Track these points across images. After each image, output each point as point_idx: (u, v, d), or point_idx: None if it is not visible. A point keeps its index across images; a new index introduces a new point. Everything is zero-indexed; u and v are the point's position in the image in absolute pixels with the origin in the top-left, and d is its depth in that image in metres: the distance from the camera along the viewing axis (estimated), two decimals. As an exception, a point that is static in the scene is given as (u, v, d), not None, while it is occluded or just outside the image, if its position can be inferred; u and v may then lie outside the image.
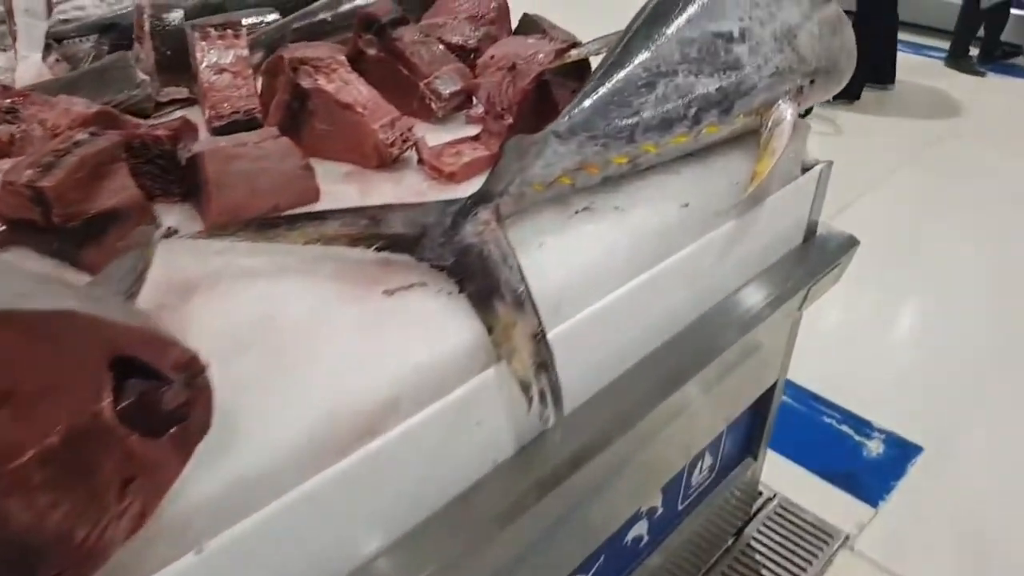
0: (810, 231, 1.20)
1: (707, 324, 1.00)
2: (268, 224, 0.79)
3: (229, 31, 1.10)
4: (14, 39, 1.17)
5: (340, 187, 0.94)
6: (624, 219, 0.90)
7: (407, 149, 0.97)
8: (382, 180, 0.96)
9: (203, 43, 1.08)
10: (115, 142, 0.79)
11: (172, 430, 0.53)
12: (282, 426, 0.62)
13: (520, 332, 0.70)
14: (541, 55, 1.08)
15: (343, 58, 1.00)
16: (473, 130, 1.06)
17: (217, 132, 1.03)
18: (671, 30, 0.97)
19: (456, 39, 1.22)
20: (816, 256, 1.17)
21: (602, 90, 0.93)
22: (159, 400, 0.52)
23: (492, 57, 1.12)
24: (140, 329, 0.50)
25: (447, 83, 1.09)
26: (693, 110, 0.94)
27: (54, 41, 1.34)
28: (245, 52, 1.09)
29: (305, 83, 0.96)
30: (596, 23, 1.29)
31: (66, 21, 1.41)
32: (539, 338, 0.71)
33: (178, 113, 1.12)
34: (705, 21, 0.98)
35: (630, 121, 0.91)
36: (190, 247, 0.81)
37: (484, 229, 0.78)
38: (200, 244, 0.80)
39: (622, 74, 0.94)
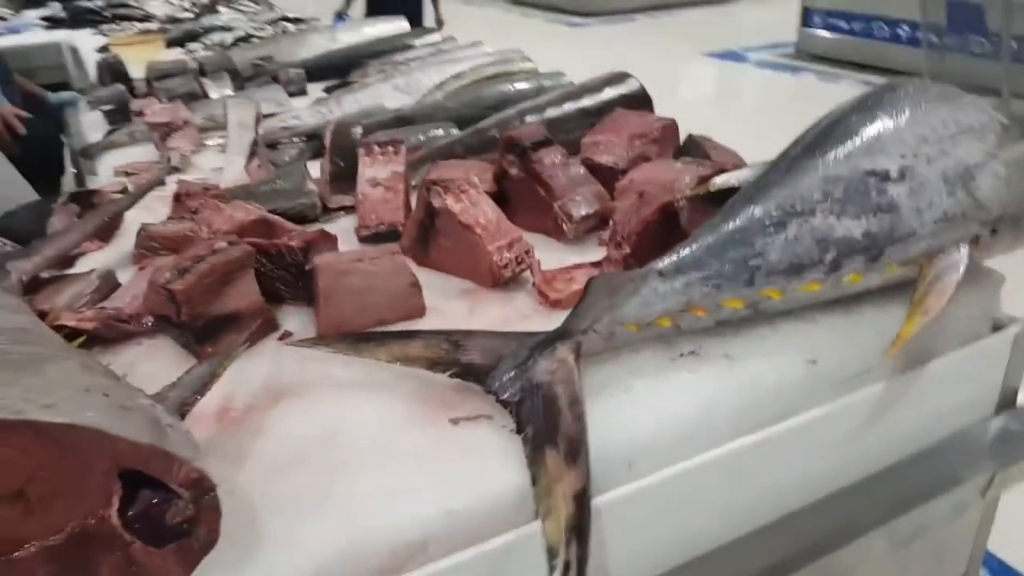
0: (1006, 401, 1.01)
1: (841, 503, 0.86)
2: (361, 339, 0.82)
3: (391, 148, 1.18)
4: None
5: (451, 303, 0.96)
6: (733, 369, 0.82)
7: (522, 271, 0.97)
8: (494, 300, 0.96)
9: (366, 158, 1.18)
10: (247, 252, 0.87)
11: (176, 542, 0.55)
12: (294, 553, 0.61)
13: (563, 489, 0.65)
14: (680, 181, 1.03)
15: (475, 180, 1.03)
16: (603, 254, 1.03)
17: (363, 240, 1.11)
18: (817, 164, 0.89)
19: (606, 159, 1.21)
20: (1009, 434, 0.98)
21: (723, 227, 0.86)
22: (165, 513, 0.55)
23: (631, 181, 1.09)
24: (144, 446, 0.53)
25: (580, 205, 1.08)
26: (831, 255, 0.84)
27: (267, 147, 1.53)
28: (401, 168, 1.17)
29: (435, 202, 1.00)
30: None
31: (285, 128, 1.61)
32: (582, 500, 0.65)
33: (344, 218, 1.22)
34: (859, 157, 0.88)
35: (750, 263, 0.83)
36: (297, 352, 0.85)
37: (558, 368, 0.75)
38: (306, 350, 0.85)
39: (750, 210, 0.87)
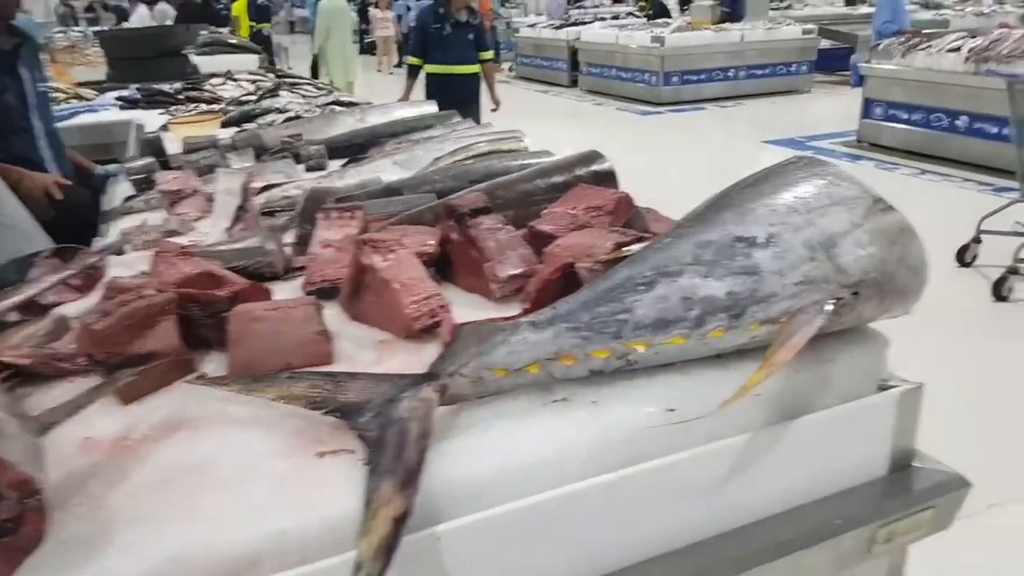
0: (900, 462, 1.02)
1: (704, 551, 0.89)
2: (254, 380, 0.91)
3: (348, 214, 1.30)
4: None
5: (363, 352, 1.04)
6: (595, 415, 0.87)
7: (435, 325, 1.05)
8: (405, 350, 1.04)
9: (324, 221, 1.30)
10: (168, 299, 0.99)
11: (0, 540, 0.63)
12: (130, 559, 0.69)
13: (387, 512, 0.71)
14: (598, 247, 1.11)
15: (408, 241, 1.13)
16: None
17: (308, 295, 1.22)
18: (694, 231, 0.96)
19: (546, 227, 1.29)
20: (895, 492, 0.99)
21: (599, 284, 0.93)
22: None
23: (557, 246, 1.18)
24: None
25: (506, 266, 1.16)
26: (695, 312, 0.89)
27: (265, 214, 1.68)
28: (354, 232, 1.28)
29: (364, 259, 1.10)
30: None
31: (285, 198, 1.76)
32: (400, 524, 0.71)
33: (301, 277, 1.33)
34: (732, 224, 0.95)
35: (618, 317, 0.89)
36: (206, 392, 0.94)
37: (419, 406, 0.82)
38: (212, 391, 0.94)
39: (626, 271, 0.94)
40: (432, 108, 2.64)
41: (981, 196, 5.96)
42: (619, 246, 1.10)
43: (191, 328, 1.05)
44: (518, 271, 1.17)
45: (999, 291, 4.14)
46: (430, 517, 0.78)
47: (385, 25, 16.44)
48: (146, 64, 4.65)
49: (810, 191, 0.96)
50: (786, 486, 0.95)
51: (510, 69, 15.31)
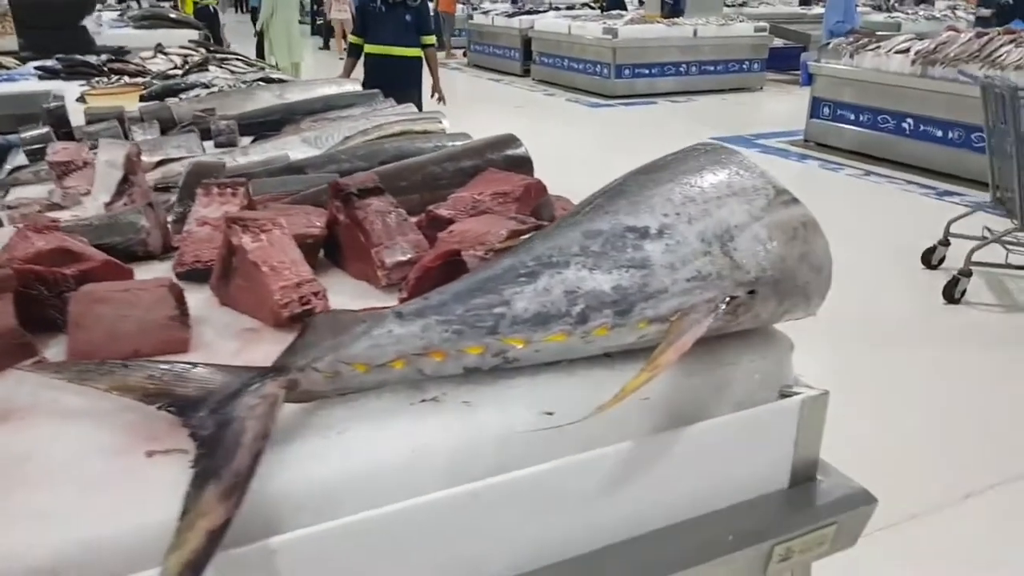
0: (803, 474, 0.96)
1: (582, 566, 0.82)
2: (87, 368, 0.81)
3: (229, 189, 1.20)
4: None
5: (225, 341, 0.95)
6: (464, 417, 0.80)
7: (306, 312, 0.96)
8: (272, 340, 0.95)
9: (204, 198, 1.19)
10: (4, 276, 0.88)
11: None
12: None
13: (204, 524, 0.63)
14: (492, 234, 1.03)
15: (282, 221, 1.04)
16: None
17: (179, 277, 1.11)
18: (585, 219, 0.89)
19: (444, 212, 1.21)
20: (794, 506, 0.93)
21: (478, 274, 0.85)
22: None
23: (450, 232, 1.09)
24: None
25: (395, 252, 1.08)
26: (578, 307, 0.82)
27: (159, 189, 1.57)
28: (235, 209, 1.18)
29: (233, 239, 1.00)
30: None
31: (180, 173, 1.64)
32: (216, 538, 0.62)
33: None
34: (624, 213, 0.88)
35: (495, 310, 0.82)
36: (40, 379, 0.84)
37: (259, 404, 0.73)
38: (46, 379, 0.84)
39: (508, 261, 0.86)
40: (355, 87, 2.53)
41: (926, 200, 6.06)
42: (515, 234, 1.03)
43: (37, 309, 0.95)
44: (406, 258, 1.08)
45: (951, 294, 4.07)
46: (266, 527, 0.69)
47: (341, 7, 15.61)
48: (47, 34, 4.41)
49: (709, 180, 0.90)
50: (675, 498, 0.88)
51: (464, 54, 15.16)
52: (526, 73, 12.76)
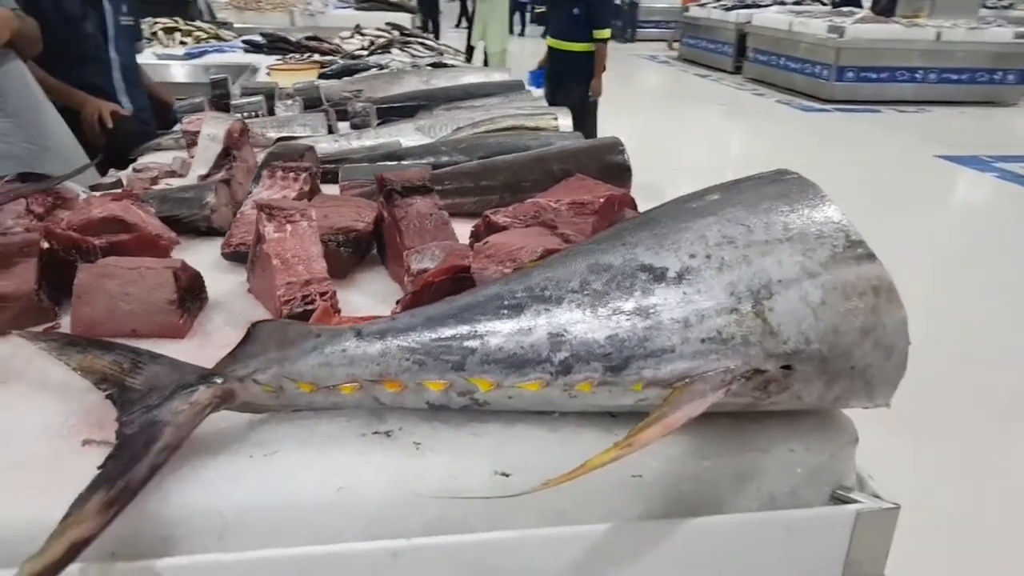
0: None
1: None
2: (68, 342, 0.80)
3: (292, 173, 1.17)
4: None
5: (225, 331, 0.92)
6: (407, 460, 0.70)
7: (307, 311, 0.90)
8: (271, 337, 0.90)
9: (267, 180, 1.18)
10: (29, 240, 0.90)
11: None
12: None
13: (72, 535, 0.58)
14: (525, 249, 0.92)
15: (311, 212, 0.99)
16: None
17: (225, 257, 1.11)
18: (597, 248, 0.75)
19: (503, 219, 1.11)
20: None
21: (459, 300, 0.75)
22: None
23: (486, 243, 0.99)
24: None
25: (421, 258, 0.99)
26: (562, 355, 0.69)
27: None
28: (295, 194, 1.15)
29: (260, 228, 0.97)
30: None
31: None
32: (76, 551, 0.57)
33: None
34: (643, 248, 0.73)
35: (465, 344, 0.71)
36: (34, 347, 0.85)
37: (186, 410, 0.68)
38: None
39: (497, 287, 0.74)
40: (503, 76, 2.46)
41: None
42: (549, 253, 0.90)
43: (71, 275, 0.96)
44: (433, 265, 0.99)
45: None
46: (163, 545, 0.64)
47: None
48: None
49: (763, 218, 0.72)
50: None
51: (670, 47, 14.75)
52: (737, 70, 12.17)
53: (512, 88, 2.27)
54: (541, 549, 0.69)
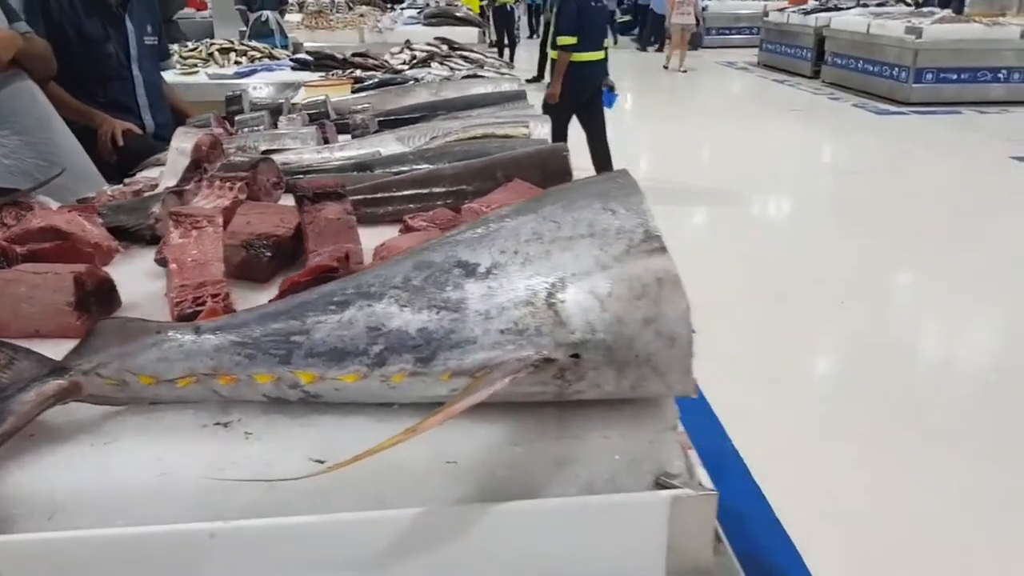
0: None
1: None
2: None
3: (228, 183, 1.24)
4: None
5: (126, 332, 0.98)
6: (236, 449, 0.74)
7: (197, 313, 0.96)
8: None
9: (207, 189, 1.25)
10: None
11: None
12: None
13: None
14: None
15: (219, 219, 1.05)
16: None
17: (158, 263, 1.18)
18: (430, 247, 0.78)
19: (422, 224, 1.14)
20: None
21: (297, 297, 0.78)
22: None
23: (383, 245, 1.02)
24: None
25: (319, 261, 1.03)
26: (378, 347, 0.72)
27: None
28: (228, 201, 1.22)
29: (167, 234, 1.03)
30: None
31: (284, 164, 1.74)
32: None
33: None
34: (464, 246, 0.75)
35: (292, 338, 0.74)
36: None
37: (31, 400, 0.74)
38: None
39: (334, 285, 0.78)
40: (512, 86, 2.50)
41: None
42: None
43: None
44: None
45: None
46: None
47: (685, 11, 12.85)
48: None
49: (575, 214, 0.73)
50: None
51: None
52: (816, 75, 11.84)
53: (513, 98, 2.31)
54: (353, 532, 0.71)
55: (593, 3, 5.47)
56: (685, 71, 12.82)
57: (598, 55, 5.58)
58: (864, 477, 2.57)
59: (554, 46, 5.53)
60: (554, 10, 5.64)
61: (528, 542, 0.73)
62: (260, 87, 3.79)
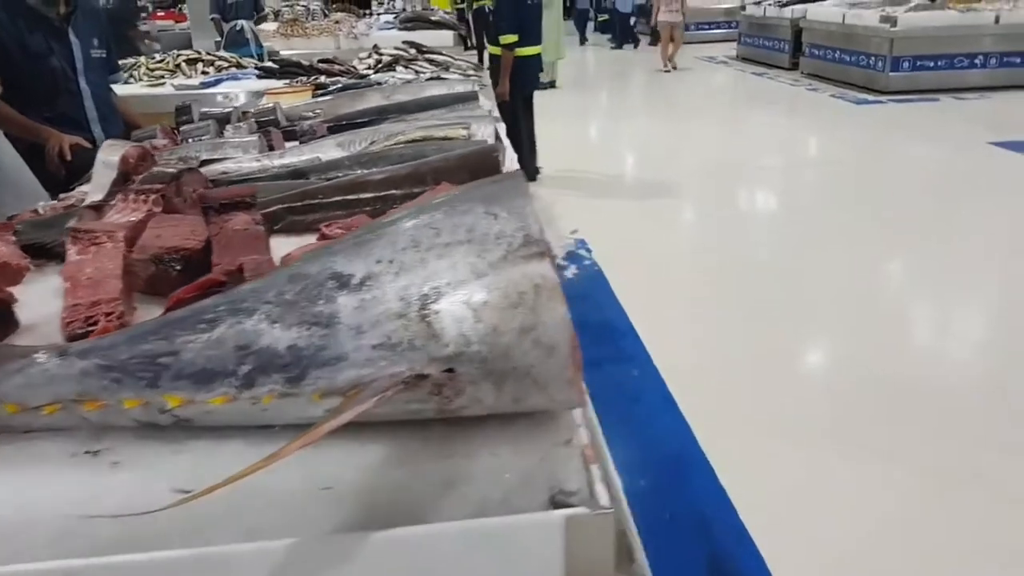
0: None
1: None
2: None
3: (143, 196, 1.20)
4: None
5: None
6: (92, 483, 0.69)
7: (88, 332, 0.91)
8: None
9: (122, 203, 1.20)
10: None
11: None
12: None
13: None
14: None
15: (120, 236, 1.00)
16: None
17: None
18: (309, 258, 0.73)
19: (335, 232, 1.10)
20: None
21: (171, 316, 0.74)
22: None
23: (288, 255, 0.98)
24: None
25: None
26: (246, 367, 0.68)
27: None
28: (141, 214, 1.17)
29: (66, 251, 0.99)
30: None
31: (223, 173, 1.70)
32: None
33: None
34: (341, 256, 0.71)
35: (160, 360, 0.70)
36: None
37: None
38: None
39: (209, 301, 0.74)
40: (469, 87, 2.45)
41: None
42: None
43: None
44: (232, 280, 0.99)
45: None
46: None
47: (673, 7, 12.48)
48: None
49: (454, 219, 0.69)
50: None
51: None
52: (794, 67, 11.84)
53: (464, 99, 2.26)
54: (223, 567, 0.67)
55: (528, 1, 5.50)
56: (669, 70, 12.78)
57: (537, 49, 5.67)
58: (844, 471, 2.54)
59: (496, 44, 5.55)
60: (491, 10, 5.71)
61: (414, 571, 0.69)
62: (238, 96, 3.75)
